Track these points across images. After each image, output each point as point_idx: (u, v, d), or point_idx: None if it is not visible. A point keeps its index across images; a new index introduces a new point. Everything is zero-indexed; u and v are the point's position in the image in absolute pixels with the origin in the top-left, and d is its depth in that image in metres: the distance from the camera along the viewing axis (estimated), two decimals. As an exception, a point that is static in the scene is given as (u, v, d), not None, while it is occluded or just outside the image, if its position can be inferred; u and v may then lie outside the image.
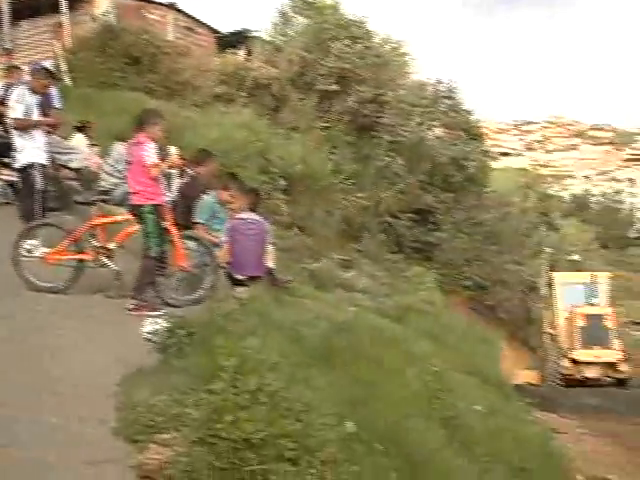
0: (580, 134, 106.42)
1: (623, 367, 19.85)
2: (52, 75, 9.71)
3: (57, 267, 7.19)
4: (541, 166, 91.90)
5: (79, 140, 11.25)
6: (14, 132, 8.22)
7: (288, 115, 20.89)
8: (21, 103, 8.22)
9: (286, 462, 3.70)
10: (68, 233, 7.25)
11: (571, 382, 19.74)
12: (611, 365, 19.99)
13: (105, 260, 7.25)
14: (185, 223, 7.70)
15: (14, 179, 8.80)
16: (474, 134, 26.36)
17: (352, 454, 4.02)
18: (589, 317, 20.47)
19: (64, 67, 18.36)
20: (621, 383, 19.71)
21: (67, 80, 18.10)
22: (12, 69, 10.50)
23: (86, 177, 9.84)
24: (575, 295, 21.67)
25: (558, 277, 23.30)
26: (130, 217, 7.19)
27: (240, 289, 7.26)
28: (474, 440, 5.84)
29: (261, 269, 7.67)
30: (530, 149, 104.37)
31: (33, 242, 7.28)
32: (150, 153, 6.88)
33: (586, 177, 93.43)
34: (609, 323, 20.43)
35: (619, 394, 17.78)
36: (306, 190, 17.00)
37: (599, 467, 9.39)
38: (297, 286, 9.84)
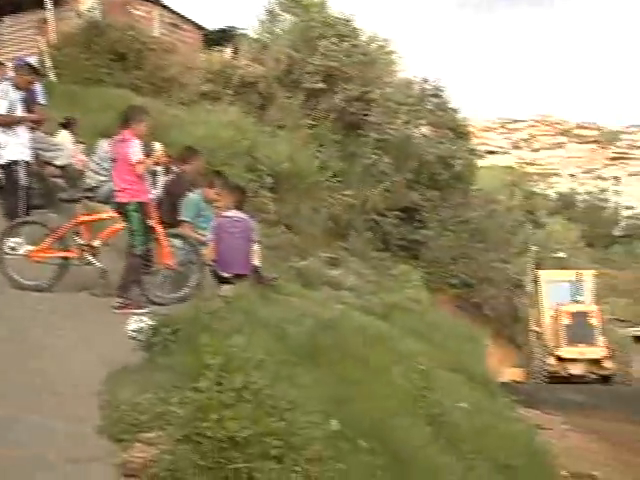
0: (566, 132, 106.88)
1: (608, 364, 20.00)
2: (36, 71, 9.65)
3: (41, 265, 7.15)
4: (527, 164, 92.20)
5: (64, 137, 11.17)
6: (-3, 128, 8.15)
7: (275, 113, 20.87)
8: (4, 99, 8.16)
9: (271, 460, 3.69)
10: (52, 231, 7.21)
11: (556, 379, 19.87)
12: (596, 362, 20.14)
13: (90, 258, 7.21)
14: (170, 221, 7.68)
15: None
16: (460, 132, 26.48)
17: (337, 452, 4.02)
18: (574, 315, 20.60)
19: (49, 63, 18.24)
20: (605, 380, 19.86)
21: (52, 76, 17.98)
22: (-5, 65, 10.41)
23: (71, 174, 9.77)
24: (561, 293, 21.80)
25: (544, 275, 23.43)
26: (115, 215, 7.16)
27: (226, 287, 7.24)
28: (459, 437, 5.85)
29: (247, 267, 7.66)
30: (516, 147, 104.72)
31: (17, 240, 7.24)
32: (135, 150, 6.85)
33: (572, 175, 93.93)
34: (594, 320, 20.57)
35: (604, 391, 17.90)
36: (293, 188, 16.99)
37: (584, 463, 9.44)
38: (283, 284, 9.84)
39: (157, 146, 7.14)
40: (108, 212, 7.42)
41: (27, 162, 8.19)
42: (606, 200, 76.58)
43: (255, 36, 24.42)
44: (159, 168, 8.42)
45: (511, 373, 21.59)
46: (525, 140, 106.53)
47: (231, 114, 17.44)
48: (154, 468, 3.66)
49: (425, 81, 26.16)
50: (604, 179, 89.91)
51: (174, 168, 8.69)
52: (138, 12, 22.29)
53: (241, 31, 25.02)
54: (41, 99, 9.84)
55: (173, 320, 5.27)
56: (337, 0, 54.74)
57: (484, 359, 12.69)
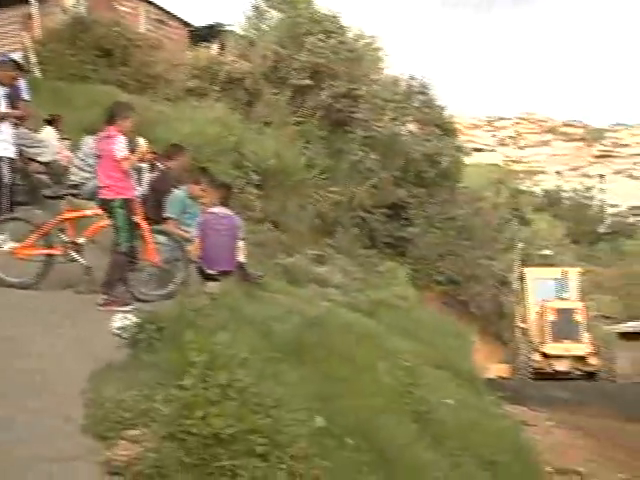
0: (552, 130, 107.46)
1: (592, 360, 20.14)
2: (20, 67, 9.57)
3: (26, 262, 7.09)
4: (513, 162, 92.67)
5: (49, 133, 11.09)
6: (-19, 125, 8.08)
7: (261, 110, 20.82)
8: (-12, 96, 8.09)
9: (256, 458, 3.68)
10: (36, 227, 7.16)
11: (542, 375, 19.97)
12: (581, 358, 20.27)
13: (74, 255, 7.17)
14: (156, 218, 7.64)
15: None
16: (447, 130, 26.54)
17: (323, 449, 4.01)
18: (560, 311, 20.72)
19: (33, 59, 18.10)
20: (590, 376, 20.00)
21: (36, 72, 17.84)
22: (-21, 61, 10.30)
23: (56, 171, 9.69)
24: (546, 290, 21.92)
25: (530, 272, 23.55)
26: (100, 211, 7.11)
27: (211, 284, 7.22)
28: (445, 434, 5.87)
29: (232, 264, 7.63)
30: (503, 145, 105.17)
31: (1, 237, 7.18)
32: (120, 146, 6.81)
33: (558, 173, 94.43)
34: (579, 317, 20.69)
35: (588, 387, 18.02)
36: (279, 185, 16.96)
37: (568, 459, 9.52)
38: (269, 281, 9.82)
39: (141, 142, 7.10)
40: (93, 209, 7.38)
41: (11, 158, 8.13)
42: (591, 198, 77.09)
43: (242, 32, 24.34)
44: (144, 165, 8.38)
45: (497, 369, 21.67)
46: (511, 138, 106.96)
47: (217, 110, 17.39)
48: (138, 466, 3.64)
49: (412, 78, 26.23)
50: (589, 177, 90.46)
51: (159, 165, 8.65)
52: (124, 8, 22.19)
53: (228, 27, 24.96)
54: (25, 95, 9.76)
55: (158, 317, 5.24)
56: (324, -3, 54.56)
57: (470, 356, 12.73)
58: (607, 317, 35.06)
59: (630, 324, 33.29)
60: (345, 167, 21.85)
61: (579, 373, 20.32)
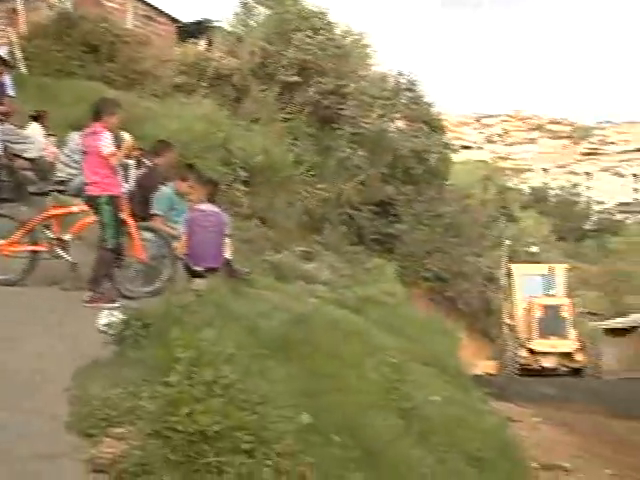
0: (539, 128, 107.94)
1: (579, 357, 20.24)
2: (5, 63, 9.51)
3: (11, 259, 7.05)
4: (501, 159, 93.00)
5: (35, 129, 11.01)
6: (-35, 121, 8.03)
7: (249, 106, 20.76)
8: (-28, 91, 8.04)
9: (242, 454, 3.67)
10: (22, 224, 7.13)
11: (529, 372, 20.06)
12: (567, 355, 20.37)
13: (60, 252, 7.14)
14: (142, 214, 7.62)
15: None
16: (435, 127, 26.58)
17: (309, 446, 4.02)
18: (546, 308, 20.81)
19: (19, 55, 17.94)
20: (577, 372, 20.10)
21: (22, 68, 17.69)
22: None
23: (42, 167, 9.65)
24: (533, 286, 22.00)
25: (517, 268, 23.63)
26: (86, 208, 7.08)
27: (198, 281, 7.20)
28: (431, 430, 5.88)
29: (219, 261, 7.62)
30: (490, 142, 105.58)
31: (-15, 233, 7.13)
32: (107, 142, 6.79)
33: (545, 170, 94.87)
34: (566, 314, 20.79)
35: (574, 383, 18.12)
36: (267, 181, 16.93)
37: (554, 455, 9.56)
38: (257, 278, 9.80)
39: (126, 136, 7.07)
40: (79, 205, 7.35)
41: (-4, 155, 8.07)
42: (578, 195, 77.54)
43: (229, 28, 24.25)
44: (131, 161, 8.35)
45: (484, 366, 21.73)
46: (499, 135, 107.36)
47: (205, 107, 17.32)
48: (123, 463, 3.63)
49: (400, 75, 26.23)
50: (576, 174, 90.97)
51: (146, 161, 8.62)
52: (111, 4, 22.04)
53: (215, 23, 24.81)
54: (10, 91, 9.72)
55: (144, 314, 5.22)
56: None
57: (457, 352, 12.75)
58: (593, 313, 35.31)
59: (616, 320, 33.52)
60: (333, 164, 21.85)
61: (565, 369, 20.43)
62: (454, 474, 5.45)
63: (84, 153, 7.14)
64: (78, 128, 8.92)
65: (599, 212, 78.21)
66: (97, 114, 6.94)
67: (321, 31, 22.45)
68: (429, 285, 24.73)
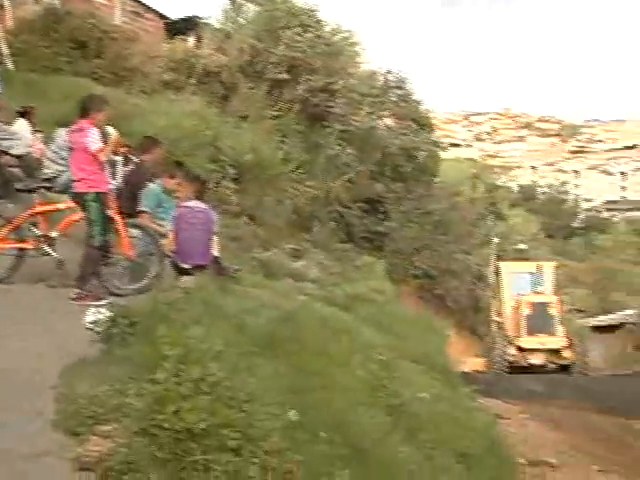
0: (527, 126, 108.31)
1: (567, 353, 20.34)
2: (-9, 58, 9.44)
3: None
4: (490, 157, 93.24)
5: (22, 126, 10.96)
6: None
7: (238, 103, 20.72)
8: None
9: (229, 452, 3.66)
10: (8, 221, 7.09)
11: (517, 369, 20.14)
12: (555, 352, 20.47)
13: (47, 249, 7.10)
14: (130, 211, 7.59)
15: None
16: (424, 124, 26.64)
17: (296, 443, 4.01)
18: (534, 305, 20.90)
19: (5, 50, 17.82)
20: (564, 369, 20.20)
21: (9, 64, 17.57)
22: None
23: (29, 164, 9.59)
24: (521, 284, 22.09)
25: (505, 266, 23.73)
26: (73, 205, 7.05)
27: (186, 278, 7.18)
28: (419, 427, 5.88)
29: (207, 258, 7.60)
30: (479, 140, 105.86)
31: (-29, 231, 7.09)
32: (94, 139, 6.76)
33: (533, 168, 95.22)
34: (554, 311, 20.88)
35: (562, 380, 18.20)
36: (256, 179, 16.91)
37: (541, 451, 9.60)
38: (246, 275, 9.79)
39: (111, 130, 7.04)
40: (66, 202, 7.31)
41: (-18, 151, 8.01)
42: (566, 192, 77.83)
43: (218, 25, 24.19)
44: (118, 158, 8.30)
45: (473, 363, 21.82)
46: (488, 133, 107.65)
47: (194, 104, 17.27)
48: (110, 461, 3.61)
49: (389, 73, 26.25)
50: (564, 172, 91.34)
51: (134, 158, 8.58)
52: (99, 0, 21.91)
53: (204, 20, 24.73)
54: (-3, 87, 9.63)
55: (131, 311, 5.21)
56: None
57: (446, 349, 12.77)
58: (581, 310, 35.48)
59: (603, 317, 33.74)
60: (322, 161, 21.84)
61: (553, 366, 20.53)
62: (442, 471, 5.46)
63: (71, 150, 7.10)
64: (65, 124, 8.86)
65: (587, 210, 78.59)
66: (84, 110, 6.91)
67: (310, 29, 22.43)
68: (418, 282, 24.79)
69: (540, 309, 20.76)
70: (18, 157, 9.48)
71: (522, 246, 36.73)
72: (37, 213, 7.23)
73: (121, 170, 8.53)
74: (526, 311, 20.84)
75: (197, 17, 25.23)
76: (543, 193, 77.50)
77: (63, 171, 8.58)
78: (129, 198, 7.83)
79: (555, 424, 11.75)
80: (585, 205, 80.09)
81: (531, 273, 22.39)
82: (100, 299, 6.48)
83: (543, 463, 9.13)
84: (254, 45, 22.05)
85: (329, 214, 21.75)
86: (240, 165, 16.02)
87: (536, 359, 20.46)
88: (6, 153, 9.32)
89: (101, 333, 5.24)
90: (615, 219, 77.42)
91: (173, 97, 17.95)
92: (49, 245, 7.12)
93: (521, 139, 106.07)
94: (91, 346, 5.09)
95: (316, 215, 21.02)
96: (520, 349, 20.51)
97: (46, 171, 9.20)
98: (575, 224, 72.36)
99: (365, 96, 23.63)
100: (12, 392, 4.35)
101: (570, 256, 54.39)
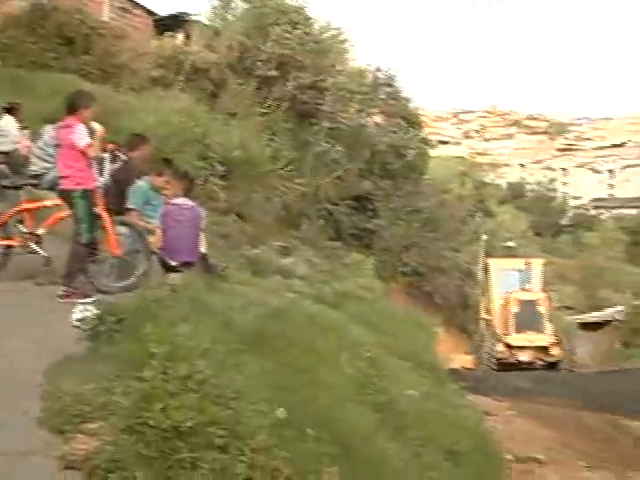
0: (516, 123, 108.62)
1: (554, 351, 20.47)
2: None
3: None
4: (478, 154, 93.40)
5: (8, 122, 10.89)
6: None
7: (227, 100, 20.63)
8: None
9: (216, 450, 3.65)
10: (-7, 218, 7.04)
11: (505, 366, 20.23)
12: (543, 349, 20.58)
13: (33, 246, 7.06)
14: (117, 208, 7.55)
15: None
16: (413, 122, 26.68)
17: (283, 441, 4.00)
18: (523, 302, 21.01)
19: (-9, 46, 17.68)
20: (552, 366, 20.32)
21: (-5, 60, 17.44)
22: None
23: (15, 160, 9.54)
24: (510, 281, 22.21)
25: (494, 263, 23.84)
26: (60, 202, 7.01)
27: (173, 275, 7.16)
28: (407, 424, 5.89)
29: (195, 255, 7.59)
30: (468, 137, 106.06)
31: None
32: (82, 135, 6.72)
33: (521, 165, 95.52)
34: (542, 308, 21.01)
35: (550, 377, 18.30)
36: (245, 176, 16.85)
37: (528, 447, 9.64)
38: (234, 272, 9.77)
39: (97, 126, 7.01)
40: (52, 199, 7.27)
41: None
42: (554, 190, 78.11)
43: (207, 22, 24.08)
44: (106, 155, 8.26)
45: (461, 360, 21.92)
46: (476, 131, 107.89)
47: (182, 101, 17.19)
48: (96, 460, 3.59)
49: (378, 70, 26.26)
50: (553, 170, 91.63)
51: (121, 155, 8.53)
52: (86, -5, 21.74)
53: (193, 17, 24.62)
54: (-18, 83, 9.56)
55: (118, 309, 5.18)
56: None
57: (434, 347, 12.81)
58: (569, 308, 35.70)
59: (590, 314, 33.95)
60: (311, 159, 21.80)
61: (542, 363, 20.64)
62: (430, 468, 5.47)
63: (58, 146, 7.06)
64: (53, 121, 8.80)
65: (575, 207, 78.92)
66: (72, 107, 6.87)
67: (299, 26, 22.37)
68: (407, 280, 24.82)
69: (528, 306, 20.87)
70: (4, 154, 9.44)
71: (510, 243, 36.85)
72: (24, 210, 7.19)
73: (109, 167, 8.49)
74: (514, 308, 20.96)
75: (186, 14, 25.11)
76: (531, 191, 77.74)
77: (50, 168, 8.52)
78: (117, 195, 7.79)
79: (543, 421, 11.80)
80: (573, 203, 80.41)
81: (519, 270, 22.51)
82: (87, 297, 6.45)
83: (531, 459, 9.17)
84: (243, 42, 21.97)
85: (318, 211, 21.73)
86: (228, 162, 15.97)
87: (524, 356, 20.58)
88: (-8, 150, 9.27)
89: (88, 330, 5.21)
90: (603, 217, 77.77)
91: (161, 94, 17.86)
92: (36, 242, 7.09)
93: (509, 137, 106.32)
94: (78, 344, 5.06)
95: (305, 212, 20.99)
96: (508, 346, 20.62)
97: (33, 168, 9.13)
98: (563, 222, 72.68)
99: (354, 93, 23.60)
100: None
101: (558, 253, 54.63)
